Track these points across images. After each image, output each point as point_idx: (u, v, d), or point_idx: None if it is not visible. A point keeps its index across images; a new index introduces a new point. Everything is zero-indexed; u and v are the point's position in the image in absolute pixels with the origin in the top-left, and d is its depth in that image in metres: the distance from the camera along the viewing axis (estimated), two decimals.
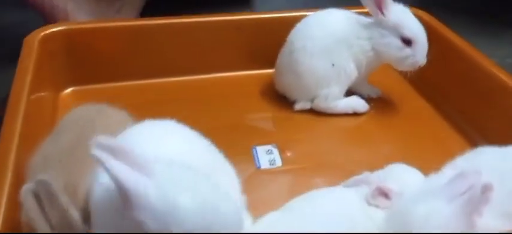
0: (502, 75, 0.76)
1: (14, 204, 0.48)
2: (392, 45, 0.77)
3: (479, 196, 0.45)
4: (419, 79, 0.84)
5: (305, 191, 0.56)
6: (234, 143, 0.71)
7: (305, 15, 0.84)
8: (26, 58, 0.72)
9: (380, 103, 0.86)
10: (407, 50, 0.77)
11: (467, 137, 0.78)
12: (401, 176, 0.58)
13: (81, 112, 0.58)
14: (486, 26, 1.25)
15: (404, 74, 0.82)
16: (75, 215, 0.47)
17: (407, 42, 0.76)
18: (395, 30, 0.77)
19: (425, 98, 0.88)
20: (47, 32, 0.78)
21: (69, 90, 0.82)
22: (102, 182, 0.42)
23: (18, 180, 0.52)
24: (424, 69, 0.80)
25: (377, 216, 0.52)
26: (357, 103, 0.82)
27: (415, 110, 0.86)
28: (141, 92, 0.85)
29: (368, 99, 0.84)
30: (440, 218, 0.45)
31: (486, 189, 0.45)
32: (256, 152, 0.71)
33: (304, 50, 0.78)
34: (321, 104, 0.80)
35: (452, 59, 0.85)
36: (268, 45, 0.88)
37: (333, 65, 0.78)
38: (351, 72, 0.79)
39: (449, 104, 0.85)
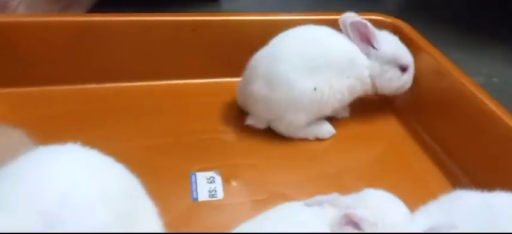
0: (485, 99, 0.66)
1: None
2: (394, 78, 0.74)
3: None
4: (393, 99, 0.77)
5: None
6: (170, 167, 0.63)
7: (277, 20, 0.78)
8: None
9: (349, 124, 0.76)
10: (405, 77, 0.75)
11: (446, 169, 0.68)
12: (378, 204, 0.51)
13: None
14: (473, 38, 1.18)
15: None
16: None
17: (404, 69, 0.75)
18: (393, 61, 0.74)
19: (400, 121, 0.78)
20: None
21: None
22: None
23: None
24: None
25: None
26: (320, 130, 0.72)
27: (387, 133, 0.76)
28: (73, 98, 0.75)
29: (336, 121, 0.75)
30: None
31: None
32: (195, 179, 0.61)
33: (289, 63, 0.67)
34: (280, 128, 0.70)
35: (433, 79, 0.76)
36: (229, 50, 0.79)
37: (315, 89, 0.68)
38: (332, 103, 0.70)
39: (425, 129, 0.76)
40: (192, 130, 0.70)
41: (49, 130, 0.59)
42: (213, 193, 0.59)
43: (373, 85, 0.74)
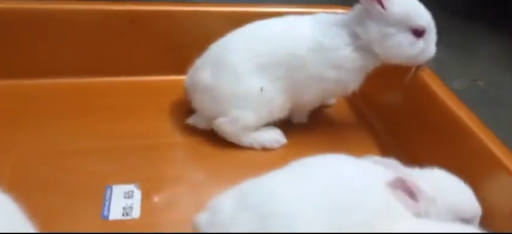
0: (460, 112, 0.59)
1: None
2: (404, 43, 0.64)
3: None
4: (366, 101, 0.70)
5: None
6: (85, 177, 0.55)
7: (234, 11, 0.73)
8: None
9: (306, 131, 0.67)
10: (420, 43, 0.64)
11: None
12: (443, 183, 0.50)
13: None
14: (459, 36, 1.12)
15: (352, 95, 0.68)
16: None
17: (418, 33, 0.64)
18: (403, 23, 0.63)
19: (363, 128, 0.70)
20: None
21: None
22: None
23: None
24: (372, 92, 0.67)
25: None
26: (267, 138, 0.64)
27: (346, 143, 0.67)
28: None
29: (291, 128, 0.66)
30: None
31: None
32: (110, 193, 0.53)
33: (238, 54, 0.63)
34: (224, 126, 0.63)
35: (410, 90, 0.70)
36: (176, 45, 0.73)
37: (261, 89, 0.62)
38: (283, 106, 0.63)
39: (396, 141, 0.68)
40: (121, 134, 0.63)
41: None
42: (128, 211, 0.51)
43: (373, 59, 0.65)
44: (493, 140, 0.57)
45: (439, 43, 1.01)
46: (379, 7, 0.63)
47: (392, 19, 0.64)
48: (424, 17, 0.65)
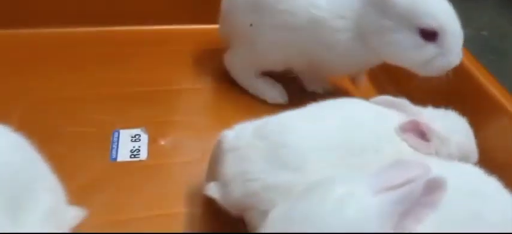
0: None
1: None
2: (406, 44, 0.54)
3: (421, 195, 0.35)
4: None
5: (171, 194, 0.49)
6: (92, 123, 0.57)
7: None
8: None
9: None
10: (430, 48, 0.54)
11: None
12: (454, 124, 0.49)
13: None
14: None
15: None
16: None
17: (429, 35, 0.53)
18: (406, 19, 0.53)
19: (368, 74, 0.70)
20: None
21: None
22: None
23: None
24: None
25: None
26: (269, 90, 0.64)
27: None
28: (14, 43, 0.70)
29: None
30: (357, 211, 0.35)
31: (436, 186, 0.34)
32: (118, 136, 0.55)
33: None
34: (227, 59, 0.65)
35: None
36: None
37: (251, 24, 0.60)
38: (273, 54, 0.61)
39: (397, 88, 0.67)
40: (129, 82, 0.65)
41: None
42: (135, 153, 0.53)
43: (370, 52, 0.57)
44: (494, 83, 0.58)
45: None
46: None
47: (394, 11, 0.54)
48: (437, 16, 0.54)
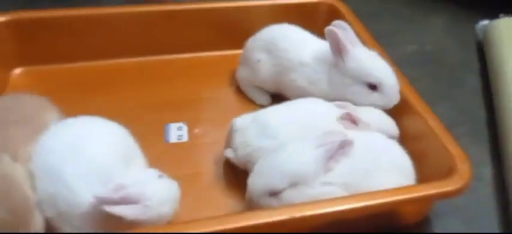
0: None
1: None
2: (359, 93, 0.74)
3: (337, 148, 0.59)
4: None
5: (204, 161, 0.73)
6: (148, 122, 0.82)
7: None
8: None
9: None
10: (375, 95, 0.73)
11: None
12: (374, 116, 0.71)
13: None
14: (414, 9, 1.23)
15: None
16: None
17: (373, 87, 0.73)
18: (358, 77, 0.73)
19: None
20: None
21: (17, 70, 0.91)
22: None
23: None
24: None
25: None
26: (259, 96, 0.86)
27: None
28: (85, 74, 0.92)
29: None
30: (302, 156, 0.59)
31: (345, 144, 0.60)
32: (168, 127, 0.82)
33: (259, 39, 0.85)
34: (238, 72, 0.89)
35: None
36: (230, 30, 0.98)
37: (259, 60, 0.84)
38: (264, 81, 0.84)
39: None
40: (172, 93, 0.88)
41: (67, 99, 0.75)
42: (180, 137, 0.79)
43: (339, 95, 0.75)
44: (413, 93, 0.75)
45: (396, 17, 1.22)
46: (340, 59, 0.74)
47: (349, 72, 0.73)
48: (377, 74, 0.72)
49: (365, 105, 0.73)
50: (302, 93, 0.77)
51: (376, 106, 0.73)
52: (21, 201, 0.53)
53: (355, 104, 0.73)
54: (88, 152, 0.57)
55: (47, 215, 0.55)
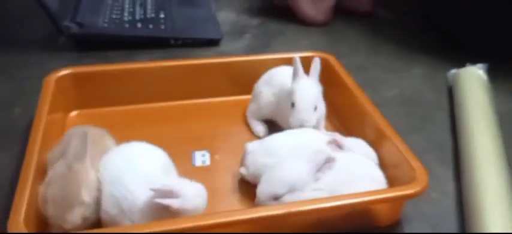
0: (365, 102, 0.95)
1: (36, 195, 0.69)
2: (287, 109, 0.91)
3: (323, 163, 0.74)
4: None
5: (223, 179, 0.89)
6: (178, 149, 0.95)
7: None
8: (45, 90, 0.95)
9: None
10: (291, 111, 0.90)
11: None
12: (358, 145, 0.86)
13: (75, 129, 0.83)
14: (397, 62, 1.36)
15: None
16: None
17: (293, 105, 0.89)
18: (289, 95, 0.90)
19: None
20: (59, 74, 1.02)
21: (74, 112, 1.07)
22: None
23: (39, 174, 0.74)
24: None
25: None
26: (257, 127, 1.03)
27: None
28: (129, 115, 1.07)
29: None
30: (297, 169, 0.75)
31: (329, 160, 0.75)
32: (194, 154, 0.95)
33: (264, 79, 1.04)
34: (247, 110, 1.07)
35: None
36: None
37: (260, 91, 1.02)
38: (264, 110, 1.02)
39: (341, 122, 1.07)
40: (197, 130, 1.03)
41: (115, 134, 0.90)
42: (204, 161, 0.93)
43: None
44: (389, 126, 0.88)
45: (381, 68, 1.40)
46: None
47: (288, 90, 0.92)
48: (296, 95, 0.89)
49: (289, 121, 0.89)
50: (282, 115, 0.95)
51: (293, 124, 0.88)
52: (71, 194, 0.68)
53: (283, 120, 0.91)
54: (141, 165, 0.75)
55: (111, 213, 0.71)
